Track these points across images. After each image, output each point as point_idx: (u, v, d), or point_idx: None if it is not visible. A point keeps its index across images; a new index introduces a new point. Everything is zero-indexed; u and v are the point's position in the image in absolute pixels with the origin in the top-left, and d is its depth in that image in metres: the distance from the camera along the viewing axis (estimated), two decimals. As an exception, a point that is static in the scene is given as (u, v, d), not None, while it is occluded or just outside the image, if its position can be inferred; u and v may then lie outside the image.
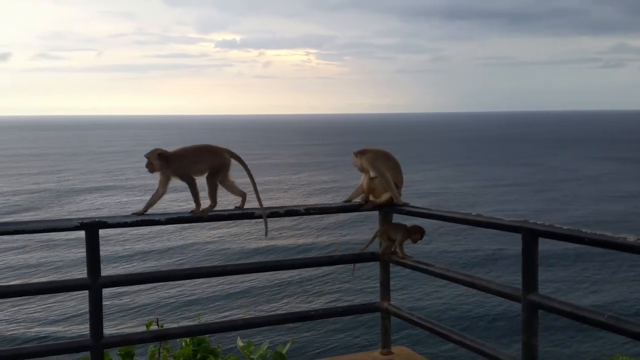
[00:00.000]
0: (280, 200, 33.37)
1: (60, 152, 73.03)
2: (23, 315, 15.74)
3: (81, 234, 3.59)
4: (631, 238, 2.68)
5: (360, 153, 4.33)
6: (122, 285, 4.12)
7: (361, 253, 4.45)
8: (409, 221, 4.28)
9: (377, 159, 4.29)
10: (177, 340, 4.28)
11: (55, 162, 59.11)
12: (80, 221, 3.58)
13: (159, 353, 4.38)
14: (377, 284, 4.48)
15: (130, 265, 20.31)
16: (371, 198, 4.31)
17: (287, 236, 24.18)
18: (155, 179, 3.97)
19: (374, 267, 4.44)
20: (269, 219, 4.03)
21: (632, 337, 2.67)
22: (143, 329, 4.20)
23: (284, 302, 16.35)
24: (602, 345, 13.12)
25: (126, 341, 3.95)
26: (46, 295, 16.03)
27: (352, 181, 36.02)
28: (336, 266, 16.66)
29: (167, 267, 19.11)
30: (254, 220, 4.20)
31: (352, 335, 13.73)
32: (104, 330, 3.66)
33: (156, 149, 3.85)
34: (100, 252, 3.69)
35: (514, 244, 18.74)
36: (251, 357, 4.35)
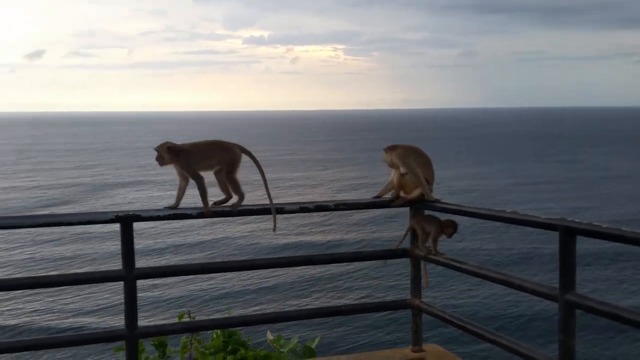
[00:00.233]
0: (309, 196, 33.42)
1: (94, 147, 74.27)
2: (60, 306, 16.08)
3: (116, 226, 3.65)
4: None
5: (391, 149, 4.29)
6: (155, 277, 4.18)
7: (391, 249, 4.42)
8: (441, 218, 4.23)
9: (408, 154, 4.24)
10: (208, 332, 4.32)
11: (89, 157, 60.15)
12: (115, 214, 3.65)
13: (191, 344, 4.43)
14: (408, 280, 4.44)
15: (162, 259, 20.54)
16: (402, 194, 4.27)
17: (316, 232, 24.19)
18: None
19: (405, 264, 4.41)
20: (292, 214, 4.02)
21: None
22: (175, 320, 4.25)
23: (313, 297, 16.37)
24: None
25: (160, 332, 4.01)
26: (80, 287, 16.34)
27: (381, 177, 35.84)
28: (366, 262, 16.69)
29: (198, 261, 19.31)
30: (283, 216, 4.19)
31: (382, 332, 13.68)
32: (138, 320, 3.72)
33: (166, 142, 3.85)
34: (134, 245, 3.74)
35: (549, 243, 18.49)
36: (281, 350, 4.36)
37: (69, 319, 15.15)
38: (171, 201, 3.94)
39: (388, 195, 4.34)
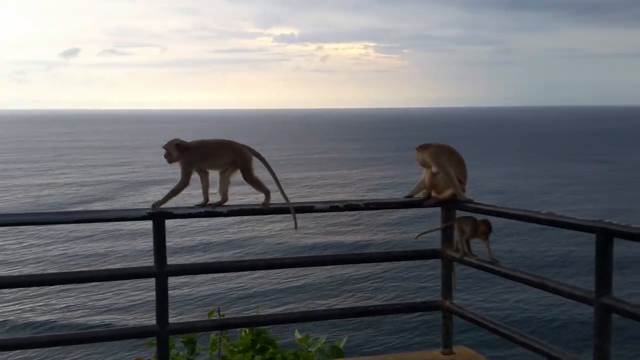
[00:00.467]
0: (338, 195, 33.37)
1: (127, 145, 75.35)
2: (91, 302, 16.33)
3: (148, 224, 3.68)
4: None
5: (422, 148, 4.24)
6: (187, 274, 4.21)
7: (422, 250, 4.38)
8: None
9: (440, 153, 4.19)
10: (237, 330, 4.33)
11: (123, 154, 61.05)
12: (148, 211, 3.69)
13: (220, 342, 4.45)
14: (439, 282, 4.39)
15: (190, 256, 20.71)
16: (433, 194, 4.22)
17: (346, 231, 24.13)
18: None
19: (435, 265, 4.35)
20: (322, 213, 4.00)
21: None
22: (205, 318, 4.27)
23: (341, 297, 16.33)
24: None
25: (190, 328, 4.05)
26: (111, 283, 16.56)
27: (411, 177, 35.61)
28: (396, 263, 16.60)
29: (228, 258, 19.43)
30: (313, 215, 4.17)
31: (411, 334, 13.57)
32: (169, 317, 3.74)
33: (174, 139, 3.85)
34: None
35: (585, 245, 18.14)
36: (309, 350, 4.36)
37: (99, 315, 15.38)
38: (201, 199, 3.95)
39: (419, 195, 4.29)
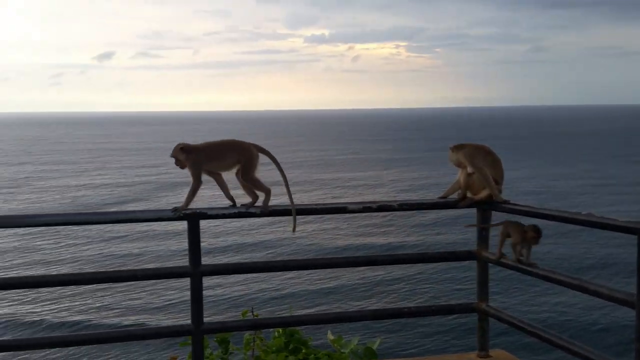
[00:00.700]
0: (369, 196, 33.23)
1: (160, 146, 76.25)
2: (125, 302, 16.55)
3: (182, 224, 3.72)
4: None
5: (457, 148, 4.19)
6: (220, 274, 4.24)
7: (457, 251, 4.33)
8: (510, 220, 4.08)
9: (476, 154, 4.13)
10: (270, 330, 4.34)
11: (156, 156, 61.80)
12: (183, 212, 3.71)
13: (254, 342, 4.46)
14: (474, 283, 4.33)
15: (223, 257, 20.84)
16: (469, 195, 4.17)
17: (379, 232, 24.00)
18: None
19: (470, 267, 4.30)
20: (355, 214, 3.97)
21: None
22: (238, 317, 4.28)
23: (374, 299, 16.23)
24: None
25: (225, 328, 4.07)
26: (143, 283, 16.79)
27: (444, 178, 35.28)
28: (430, 264, 16.43)
29: (262, 259, 19.49)
30: (346, 216, 4.15)
31: (446, 336, 13.42)
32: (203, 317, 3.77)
33: (178, 144, 3.84)
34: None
35: (626, 247, 17.72)
36: (342, 351, 4.34)
37: (133, 315, 15.57)
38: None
39: (454, 196, 4.24)
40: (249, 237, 23.19)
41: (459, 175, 4.21)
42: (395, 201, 4.17)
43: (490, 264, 4.15)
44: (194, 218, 3.71)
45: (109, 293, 16.91)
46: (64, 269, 19.50)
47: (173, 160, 3.86)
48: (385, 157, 57.17)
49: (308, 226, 24.41)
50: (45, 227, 20.62)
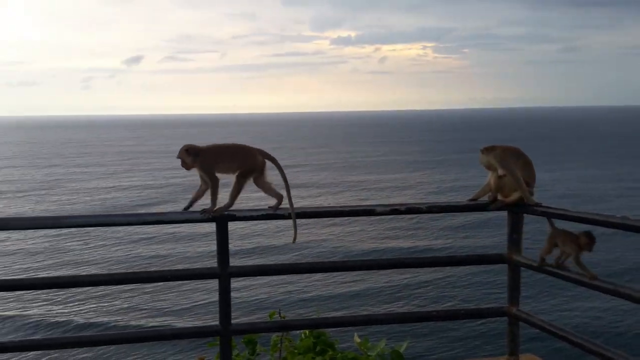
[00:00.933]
0: (396, 198, 33.08)
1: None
2: (152, 303, 16.71)
3: (209, 226, 3.73)
4: None
5: (488, 150, 4.13)
6: (248, 276, 4.24)
7: (487, 255, 4.27)
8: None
9: (506, 155, 4.07)
10: (297, 331, 4.33)
11: (184, 158, 62.30)
12: (211, 214, 3.71)
13: (281, 343, 4.46)
14: (504, 287, 4.27)
15: (249, 259, 20.90)
16: (499, 197, 4.11)
17: (407, 235, 23.84)
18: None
19: (499, 271, 4.23)
20: (383, 216, 3.91)
21: None
22: (265, 319, 4.29)
23: (402, 302, 16.13)
24: None
25: (253, 329, 4.08)
26: (169, 285, 16.95)
27: (473, 180, 34.96)
28: (459, 267, 16.25)
29: (289, 261, 19.52)
30: (373, 218, 4.12)
31: (475, 340, 13.26)
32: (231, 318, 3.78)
33: (184, 146, 3.82)
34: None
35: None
36: (369, 354, 4.31)
37: (161, 317, 15.71)
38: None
39: (484, 198, 4.19)
40: (274, 239, 23.22)
41: (490, 178, 4.16)
42: (424, 203, 4.13)
43: (522, 269, 4.08)
44: (222, 220, 3.72)
45: (136, 294, 17.10)
46: (94, 270, 19.77)
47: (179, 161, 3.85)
48: (412, 159, 56.88)
49: (335, 229, 24.39)
50: (75, 229, 20.98)
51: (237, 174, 3.82)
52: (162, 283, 16.21)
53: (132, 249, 22.68)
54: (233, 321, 3.79)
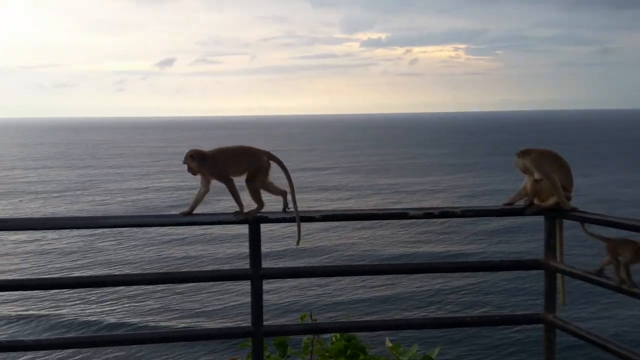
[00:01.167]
0: (429, 201, 32.83)
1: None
2: (183, 304, 16.85)
3: (240, 228, 3.74)
4: None
5: (524, 153, 4.06)
6: (281, 278, 4.24)
7: (523, 260, 4.19)
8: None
9: (543, 159, 4.00)
10: (328, 335, 4.31)
11: (215, 159, 62.81)
12: (244, 216, 3.72)
13: (312, 345, 4.44)
14: (539, 294, 4.18)
15: (279, 261, 20.93)
16: (536, 201, 4.03)
17: (439, 240, 23.59)
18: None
19: (534, 277, 4.15)
20: (416, 220, 3.85)
21: None
22: (297, 321, 4.28)
23: (433, 307, 15.96)
24: None
25: (284, 331, 4.07)
26: (198, 287, 17.06)
27: (508, 184, 34.36)
28: (493, 273, 16.00)
29: (321, 264, 19.47)
30: (403, 222, 4.07)
31: (510, 348, 13.02)
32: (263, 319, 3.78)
33: (189, 151, 3.81)
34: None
35: None
36: (400, 358, 4.26)
37: (188, 318, 15.83)
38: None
39: (520, 203, 4.11)
40: (305, 242, 23.18)
41: (526, 182, 4.09)
42: (458, 207, 4.06)
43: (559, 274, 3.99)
44: (255, 222, 3.72)
45: (168, 294, 17.26)
46: (128, 270, 20.02)
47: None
48: (444, 162, 56.39)
49: (366, 232, 24.25)
50: (109, 229, 21.30)
51: (245, 176, 3.81)
52: (192, 284, 16.40)
53: (163, 249, 22.93)
54: (264, 323, 3.79)
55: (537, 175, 3.97)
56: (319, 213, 3.85)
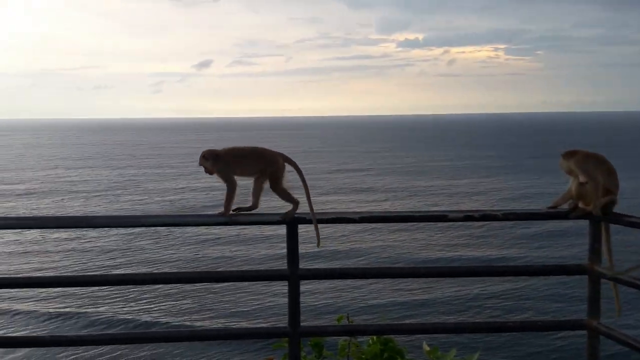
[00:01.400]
0: (467, 204, 32.39)
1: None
2: (217, 304, 16.96)
3: (280, 229, 3.74)
4: None
5: (569, 154, 3.96)
6: (318, 279, 4.23)
7: (566, 265, 4.09)
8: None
9: (589, 161, 3.90)
10: (364, 337, 4.28)
11: (251, 160, 63.15)
12: (282, 216, 3.74)
13: (349, 347, 4.41)
14: (583, 300, 4.07)
15: (314, 262, 20.91)
16: (581, 205, 3.93)
17: (479, 243, 23.19)
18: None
19: (577, 282, 4.05)
20: (456, 223, 3.79)
21: None
22: (332, 322, 4.25)
23: (472, 312, 15.71)
24: None
25: (321, 332, 4.05)
26: (231, 288, 17.16)
27: (549, 187, 33.74)
28: (534, 278, 15.63)
29: (359, 265, 19.40)
30: (440, 225, 4.01)
31: (552, 355, 12.72)
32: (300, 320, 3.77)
33: (202, 152, 3.84)
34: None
35: None
36: (438, 362, 4.20)
37: (224, 317, 15.93)
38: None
39: (565, 206, 4.01)
40: (341, 243, 23.09)
41: (571, 184, 3.99)
42: (500, 210, 3.98)
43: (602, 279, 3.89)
44: (292, 222, 3.71)
45: (202, 293, 17.39)
46: (167, 268, 20.28)
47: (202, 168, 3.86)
48: (482, 164, 55.61)
49: (402, 234, 24.01)
50: (145, 228, 21.59)
51: (256, 177, 3.84)
52: (227, 284, 16.53)
53: (200, 249, 23.15)
54: (301, 323, 3.78)
55: (581, 178, 3.88)
56: (358, 215, 3.84)
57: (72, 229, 23.43)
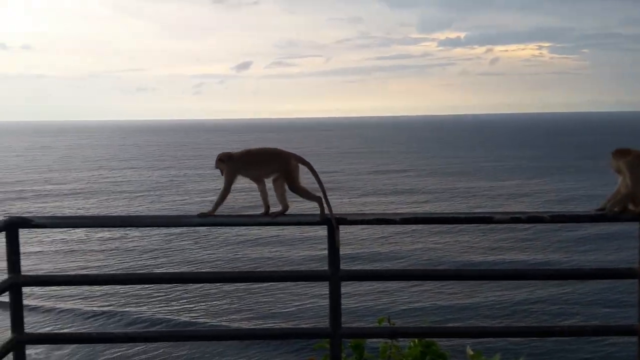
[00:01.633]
0: (512, 207, 31.81)
1: (298, 152, 78.07)
2: (254, 305, 17.04)
3: (320, 229, 3.73)
4: None
5: (620, 153, 3.84)
6: (359, 280, 4.21)
7: (615, 268, 3.96)
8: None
9: (638, 162, 3.77)
10: (405, 339, 4.23)
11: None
12: (321, 217, 3.74)
13: (390, 350, 4.37)
14: (634, 304, 3.94)
15: (355, 263, 20.82)
16: (631, 207, 3.80)
17: (524, 246, 22.69)
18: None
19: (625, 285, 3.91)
20: (501, 225, 3.70)
21: None
22: (374, 324, 4.21)
23: (517, 317, 15.35)
24: None
25: (362, 333, 4.04)
26: (270, 289, 17.24)
27: (596, 189, 32.90)
28: (583, 282, 15.21)
29: (400, 267, 19.24)
30: (482, 227, 3.93)
31: (600, 359, 12.39)
32: (341, 321, 3.75)
33: (218, 155, 3.88)
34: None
35: None
36: (481, 367, 4.12)
37: (264, 317, 15.96)
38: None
39: (615, 208, 3.88)
40: (382, 245, 22.97)
41: (620, 185, 3.86)
42: (547, 212, 3.90)
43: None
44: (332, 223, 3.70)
45: (241, 294, 17.47)
46: (207, 269, 20.49)
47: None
48: (527, 165, 54.47)
49: (445, 236, 23.69)
50: (185, 228, 21.86)
51: (274, 178, 3.87)
52: (266, 284, 16.61)
53: (239, 249, 23.31)
54: (342, 325, 3.75)
55: (627, 179, 3.76)
56: (399, 216, 3.81)
57: (116, 228, 23.90)
